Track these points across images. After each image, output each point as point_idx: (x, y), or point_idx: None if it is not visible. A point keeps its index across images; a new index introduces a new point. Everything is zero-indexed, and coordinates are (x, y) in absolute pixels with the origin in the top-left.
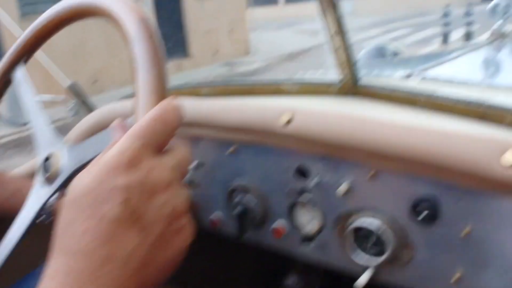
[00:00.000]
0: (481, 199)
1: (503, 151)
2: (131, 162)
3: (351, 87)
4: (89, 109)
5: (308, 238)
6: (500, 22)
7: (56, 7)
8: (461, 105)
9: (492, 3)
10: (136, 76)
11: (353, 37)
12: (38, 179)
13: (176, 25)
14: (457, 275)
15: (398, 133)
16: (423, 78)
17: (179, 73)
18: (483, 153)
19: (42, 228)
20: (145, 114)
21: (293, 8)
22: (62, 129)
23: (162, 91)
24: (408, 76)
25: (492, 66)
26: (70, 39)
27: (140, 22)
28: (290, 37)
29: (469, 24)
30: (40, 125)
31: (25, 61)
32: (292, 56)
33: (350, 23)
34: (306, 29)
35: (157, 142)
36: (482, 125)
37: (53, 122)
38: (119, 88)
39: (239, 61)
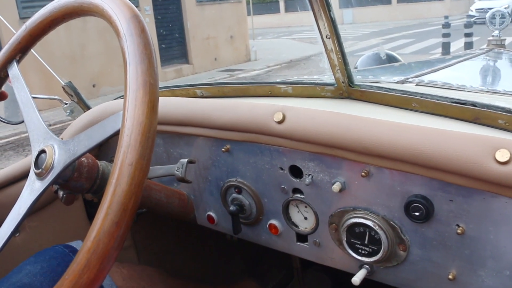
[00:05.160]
0: (475, 198)
1: (496, 150)
2: None
3: (345, 89)
4: (85, 107)
5: (303, 236)
6: (496, 32)
7: (49, 6)
8: (455, 107)
9: (489, 13)
10: (127, 69)
11: (353, 46)
12: (32, 174)
13: (177, 31)
14: (452, 273)
15: (391, 131)
16: (418, 83)
17: (179, 78)
18: (476, 151)
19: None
20: (135, 107)
21: (293, 17)
22: (61, 132)
23: (152, 85)
24: (404, 81)
25: (487, 74)
26: (70, 43)
27: (131, 18)
28: (290, 45)
29: (468, 35)
30: (33, 121)
31: (19, 60)
32: (292, 63)
33: (350, 32)
34: (306, 37)
35: None
36: (476, 126)
37: (52, 124)
38: (118, 92)
39: (239, 67)
